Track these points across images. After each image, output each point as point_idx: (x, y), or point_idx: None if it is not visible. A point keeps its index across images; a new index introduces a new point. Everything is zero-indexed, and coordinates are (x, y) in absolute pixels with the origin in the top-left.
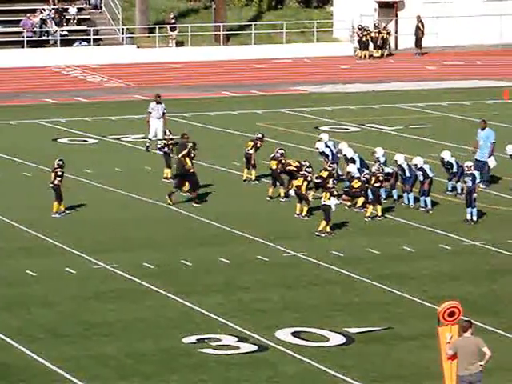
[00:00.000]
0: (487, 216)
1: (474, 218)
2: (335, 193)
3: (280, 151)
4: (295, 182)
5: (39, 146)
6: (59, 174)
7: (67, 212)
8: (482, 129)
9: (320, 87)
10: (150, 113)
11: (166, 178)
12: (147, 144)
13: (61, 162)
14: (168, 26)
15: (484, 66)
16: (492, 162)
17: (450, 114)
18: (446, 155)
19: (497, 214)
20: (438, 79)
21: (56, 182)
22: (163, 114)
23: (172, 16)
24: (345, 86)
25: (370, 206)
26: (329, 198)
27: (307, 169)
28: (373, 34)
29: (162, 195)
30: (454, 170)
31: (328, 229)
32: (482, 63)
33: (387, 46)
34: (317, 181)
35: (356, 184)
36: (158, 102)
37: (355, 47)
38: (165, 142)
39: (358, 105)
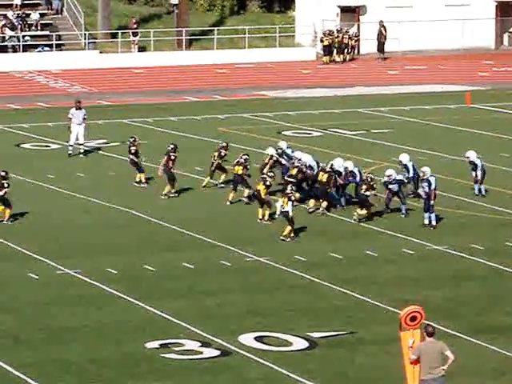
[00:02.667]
0: (450, 220)
1: (433, 223)
2: (293, 198)
3: (244, 157)
4: (257, 187)
5: (2, 151)
6: (5, 185)
7: (12, 220)
8: None
9: (282, 92)
10: (71, 119)
11: (139, 182)
12: (69, 151)
13: (3, 173)
14: (130, 31)
15: (446, 71)
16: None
17: (412, 118)
18: (404, 158)
19: (459, 218)
20: (400, 84)
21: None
22: (83, 119)
23: (134, 21)
24: (307, 91)
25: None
26: (287, 204)
27: (269, 173)
28: (338, 39)
29: (124, 200)
30: (410, 174)
31: (292, 233)
32: (444, 68)
33: (353, 51)
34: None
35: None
36: (78, 108)
37: (318, 52)
38: (134, 148)
39: (320, 109)
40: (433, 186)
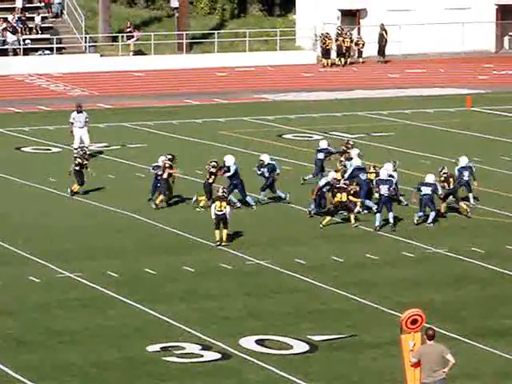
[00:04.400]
0: (450, 223)
1: (391, 221)
2: (231, 203)
3: (212, 163)
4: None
5: (3, 154)
6: None
7: None
8: None
9: (283, 95)
10: (72, 123)
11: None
12: (74, 154)
13: None
14: (124, 35)
15: (446, 74)
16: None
17: (412, 121)
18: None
19: (459, 221)
20: (401, 87)
21: None
22: (85, 122)
23: (129, 25)
24: (308, 94)
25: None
26: (225, 207)
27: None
28: (338, 43)
29: (125, 203)
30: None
31: (225, 237)
32: (445, 71)
33: (357, 54)
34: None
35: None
36: (80, 112)
37: (318, 55)
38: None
39: (320, 113)
40: (393, 187)
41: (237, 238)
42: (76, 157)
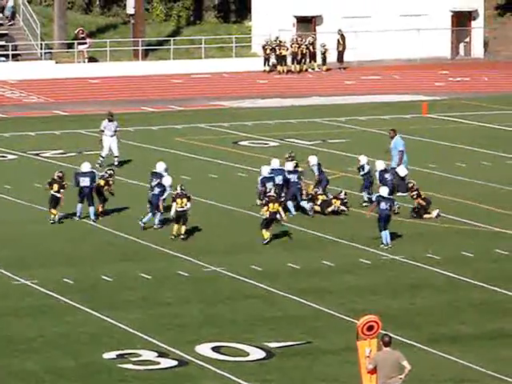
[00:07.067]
0: (406, 230)
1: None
2: (190, 198)
3: (109, 172)
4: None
5: None
6: None
7: None
8: (392, 137)
9: (239, 102)
10: (103, 131)
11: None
12: (99, 161)
13: None
14: (76, 42)
15: (402, 81)
16: (402, 171)
17: (368, 128)
18: (363, 160)
19: (415, 228)
20: (357, 94)
21: None
22: (115, 131)
23: (81, 31)
24: (264, 101)
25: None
26: (185, 204)
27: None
28: (292, 49)
29: (81, 210)
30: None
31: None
32: (400, 77)
33: (321, 61)
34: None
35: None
36: (111, 120)
37: (273, 62)
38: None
39: (276, 119)
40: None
41: (193, 245)
42: (103, 176)
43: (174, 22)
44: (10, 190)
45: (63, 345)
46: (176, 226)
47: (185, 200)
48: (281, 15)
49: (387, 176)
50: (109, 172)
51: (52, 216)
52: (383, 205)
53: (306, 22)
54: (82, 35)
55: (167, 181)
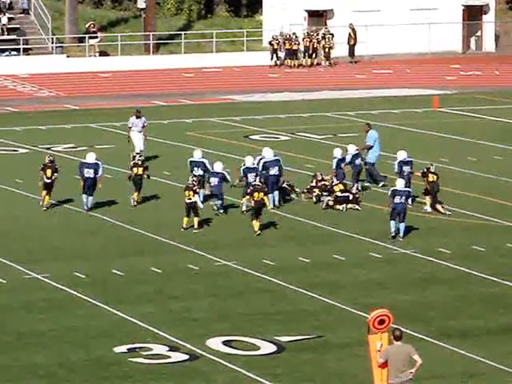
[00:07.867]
0: (417, 224)
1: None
2: (197, 190)
3: (140, 158)
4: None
5: None
6: None
7: None
8: (366, 131)
9: (250, 96)
10: (131, 127)
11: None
12: (134, 161)
13: None
14: (87, 36)
15: (413, 75)
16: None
17: (379, 122)
18: (351, 149)
19: (427, 222)
20: (368, 88)
21: None
22: (143, 127)
23: (92, 25)
24: (274, 95)
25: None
26: (193, 196)
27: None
28: (304, 43)
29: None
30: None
31: (197, 224)
32: (412, 72)
33: (322, 55)
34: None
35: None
36: (138, 117)
37: (279, 56)
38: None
39: (287, 114)
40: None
41: (205, 239)
42: (136, 164)
43: (185, 16)
44: (21, 184)
45: (74, 339)
46: (186, 219)
47: (191, 192)
48: (292, 9)
49: (405, 168)
50: (141, 158)
51: (45, 203)
52: (398, 198)
53: (317, 16)
54: (93, 29)
55: (218, 166)
